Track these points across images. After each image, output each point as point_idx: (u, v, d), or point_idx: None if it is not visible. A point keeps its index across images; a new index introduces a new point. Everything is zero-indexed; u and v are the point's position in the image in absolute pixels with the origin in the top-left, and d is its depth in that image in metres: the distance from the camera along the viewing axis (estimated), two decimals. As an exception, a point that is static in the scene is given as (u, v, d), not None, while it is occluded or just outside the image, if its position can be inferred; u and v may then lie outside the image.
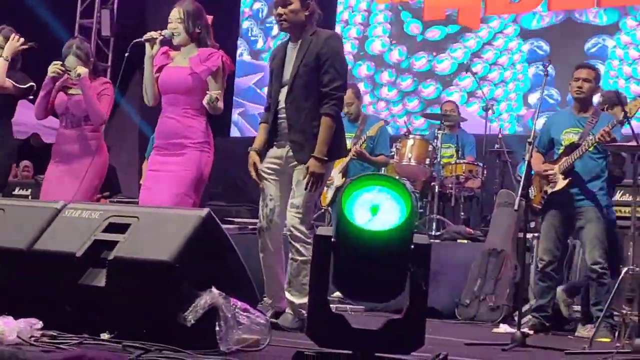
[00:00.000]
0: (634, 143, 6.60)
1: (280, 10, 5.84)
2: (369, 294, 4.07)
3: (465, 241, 9.18)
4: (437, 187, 9.71)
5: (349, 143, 8.95)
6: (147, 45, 6.20)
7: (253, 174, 5.88)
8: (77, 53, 6.99)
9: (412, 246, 3.44)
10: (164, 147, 6.19)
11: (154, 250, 4.09)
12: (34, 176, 11.54)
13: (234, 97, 13.97)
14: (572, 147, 7.00)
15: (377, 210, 3.35)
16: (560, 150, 7.13)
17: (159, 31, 6.18)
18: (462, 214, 10.07)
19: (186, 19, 6.18)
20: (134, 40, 6.17)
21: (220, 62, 6.13)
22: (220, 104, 6.09)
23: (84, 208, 4.57)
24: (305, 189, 5.66)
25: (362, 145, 8.96)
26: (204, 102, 5.97)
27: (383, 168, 9.48)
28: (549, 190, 7.09)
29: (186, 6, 6.22)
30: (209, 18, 6.33)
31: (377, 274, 3.43)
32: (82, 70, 6.82)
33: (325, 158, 5.68)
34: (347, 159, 8.86)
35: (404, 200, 3.30)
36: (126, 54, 6.22)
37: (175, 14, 6.21)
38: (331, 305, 3.75)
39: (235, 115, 13.93)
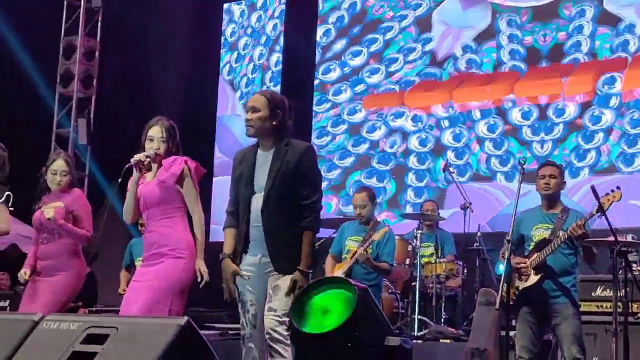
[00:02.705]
0: (611, 238, 6.63)
1: (249, 115, 5.90)
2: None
3: (448, 341, 9.12)
4: (418, 287, 9.68)
5: (355, 246, 8.91)
6: (135, 169, 6.24)
7: (231, 283, 5.86)
8: (66, 159, 7.29)
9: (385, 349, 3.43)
10: (147, 259, 6.23)
11: (134, 360, 4.05)
12: (12, 287, 11.45)
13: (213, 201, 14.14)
14: (543, 244, 7.01)
15: (328, 313, 3.35)
16: (531, 247, 7.14)
17: (145, 154, 6.22)
18: (444, 313, 10.02)
19: (167, 137, 6.28)
20: (126, 166, 6.22)
21: (183, 166, 6.19)
22: (199, 215, 6.19)
23: (63, 320, 4.54)
24: (287, 295, 5.66)
25: (368, 249, 8.80)
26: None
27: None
28: (522, 287, 7.07)
29: (166, 124, 6.33)
30: None
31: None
32: (51, 214, 7.05)
33: (310, 271, 5.70)
34: (352, 262, 8.78)
35: (351, 299, 3.29)
36: (119, 180, 6.28)
37: (159, 132, 6.29)
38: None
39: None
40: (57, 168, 7.32)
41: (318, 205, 5.85)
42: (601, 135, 11.75)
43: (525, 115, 12.35)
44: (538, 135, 12.16)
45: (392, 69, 13.61)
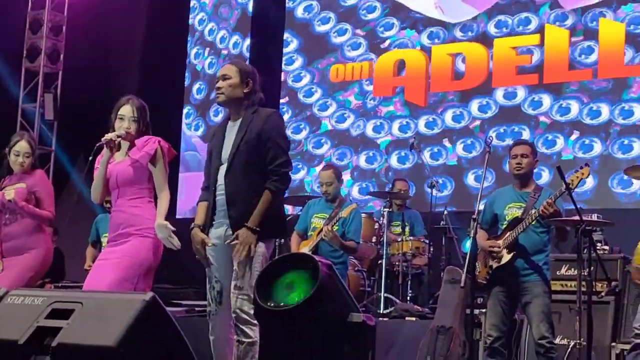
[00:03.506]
0: (576, 217, 6.68)
1: (220, 83, 5.87)
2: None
3: (414, 318, 9.16)
4: (384, 264, 9.70)
5: (321, 223, 8.90)
6: (106, 147, 6.19)
7: (202, 252, 5.81)
8: (29, 140, 7.29)
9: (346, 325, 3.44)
10: (114, 239, 6.19)
11: (98, 335, 4.03)
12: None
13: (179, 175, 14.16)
14: (515, 222, 7.04)
15: (292, 289, 3.37)
16: (504, 225, 7.17)
17: (115, 133, 6.18)
18: (410, 291, 10.07)
19: (138, 116, 6.25)
20: (97, 145, 6.17)
21: (157, 145, 6.16)
22: (166, 192, 6.16)
23: (27, 294, 4.51)
24: (233, 257, 5.58)
25: (334, 226, 8.77)
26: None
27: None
28: (494, 265, 7.11)
29: (136, 103, 6.30)
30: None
31: (309, 354, 3.42)
32: (11, 196, 7.06)
33: (257, 229, 5.57)
34: (318, 238, 8.77)
35: (315, 275, 3.31)
36: (90, 158, 6.24)
37: (129, 111, 6.25)
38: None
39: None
40: (20, 149, 7.31)
41: (281, 169, 5.71)
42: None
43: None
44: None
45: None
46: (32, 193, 7.26)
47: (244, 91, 5.86)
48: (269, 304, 3.27)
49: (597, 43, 11.64)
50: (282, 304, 3.30)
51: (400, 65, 13.12)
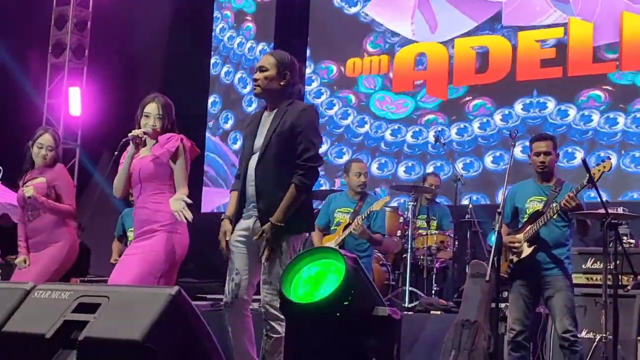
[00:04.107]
0: (602, 210, 6.65)
1: (256, 75, 5.84)
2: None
3: (439, 312, 9.16)
4: (409, 258, 9.69)
5: (345, 217, 8.88)
6: (132, 143, 6.22)
7: (223, 242, 5.78)
8: (53, 134, 7.34)
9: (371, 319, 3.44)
10: (140, 235, 6.20)
11: (125, 329, 4.05)
12: (3, 257, 11.46)
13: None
14: (536, 215, 7.02)
15: (318, 283, 3.37)
16: (525, 219, 7.15)
17: (142, 130, 6.21)
18: (435, 285, 10.05)
19: (163, 114, 6.28)
20: (123, 140, 6.22)
21: (178, 143, 6.17)
22: (184, 189, 6.13)
23: (54, 289, 4.54)
24: (260, 257, 5.57)
25: (362, 220, 8.74)
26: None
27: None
28: (515, 259, 7.09)
29: (162, 101, 6.32)
30: None
31: (335, 348, 3.41)
32: (30, 193, 7.15)
33: (281, 224, 5.55)
34: (346, 233, 8.76)
35: (340, 268, 3.32)
36: (115, 152, 6.29)
37: (155, 109, 6.28)
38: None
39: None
40: (43, 142, 7.36)
41: (308, 163, 5.65)
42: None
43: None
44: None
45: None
46: (51, 187, 7.30)
47: (281, 83, 5.81)
48: (294, 297, 3.28)
49: (620, 36, 11.58)
50: (307, 298, 3.30)
51: (421, 58, 13.05)
